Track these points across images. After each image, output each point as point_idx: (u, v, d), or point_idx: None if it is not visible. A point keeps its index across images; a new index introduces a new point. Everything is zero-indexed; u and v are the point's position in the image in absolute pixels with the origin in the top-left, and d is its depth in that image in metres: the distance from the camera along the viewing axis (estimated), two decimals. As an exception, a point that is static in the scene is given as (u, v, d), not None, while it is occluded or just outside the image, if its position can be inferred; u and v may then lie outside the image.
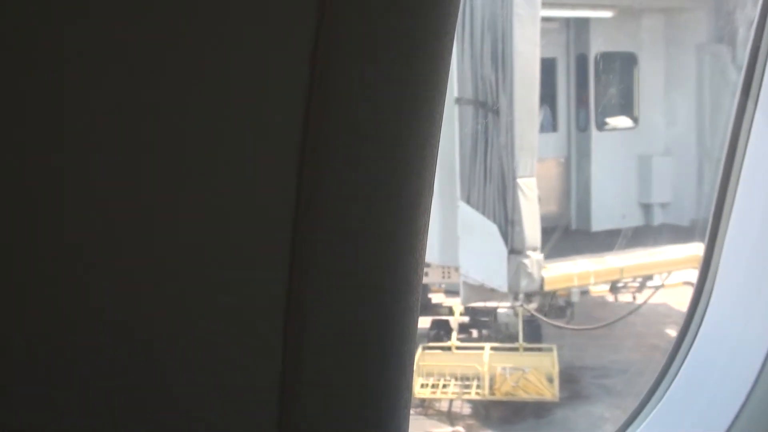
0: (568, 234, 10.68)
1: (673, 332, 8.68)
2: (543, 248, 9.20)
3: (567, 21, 10.95)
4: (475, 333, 10.19)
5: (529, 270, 9.01)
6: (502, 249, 9.06)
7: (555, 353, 9.02)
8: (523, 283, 9.06)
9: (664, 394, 1.94)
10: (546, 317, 9.67)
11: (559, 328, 9.73)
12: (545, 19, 9.24)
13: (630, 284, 10.22)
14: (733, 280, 1.94)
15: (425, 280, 9.65)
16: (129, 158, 0.82)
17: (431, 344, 9.43)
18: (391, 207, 0.89)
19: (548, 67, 10.21)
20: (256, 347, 0.90)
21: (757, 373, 1.78)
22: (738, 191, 1.91)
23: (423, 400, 8.93)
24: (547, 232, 9.56)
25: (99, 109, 0.80)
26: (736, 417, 1.78)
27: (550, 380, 8.75)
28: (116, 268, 0.85)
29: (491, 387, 8.77)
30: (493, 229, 9.16)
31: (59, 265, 0.84)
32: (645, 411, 1.94)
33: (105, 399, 0.87)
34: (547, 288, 9.32)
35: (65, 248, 0.83)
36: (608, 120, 11.14)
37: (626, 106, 11.24)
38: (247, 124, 0.84)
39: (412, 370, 0.97)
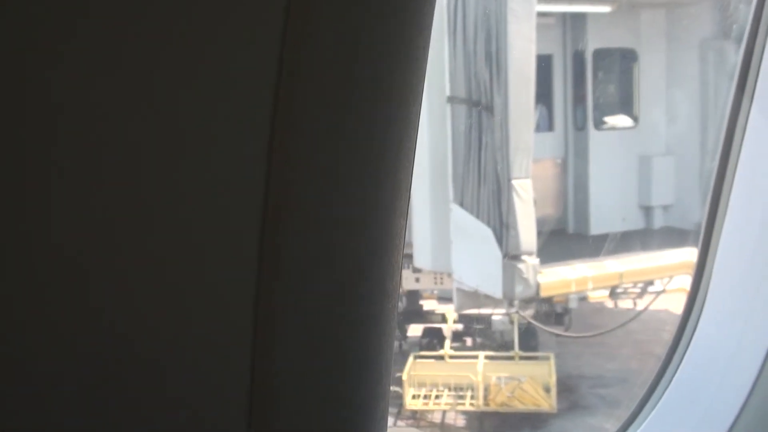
0: (565, 237, 10.65)
1: (674, 340, 8.59)
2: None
3: (563, 16, 10.95)
4: (469, 341, 10.15)
5: (525, 275, 8.95)
6: (497, 253, 8.98)
7: (552, 362, 8.98)
8: (519, 289, 8.98)
9: (657, 402, 1.93)
10: (543, 324, 9.64)
11: (557, 335, 9.71)
12: (541, 15, 9.17)
13: (630, 290, 10.17)
14: (727, 283, 1.91)
15: (417, 286, 9.83)
16: (111, 159, 0.84)
17: (423, 353, 9.42)
18: (364, 210, 0.88)
19: (544, 65, 10.25)
20: (225, 355, 0.90)
21: (754, 379, 1.76)
22: (733, 191, 1.88)
23: (415, 412, 8.94)
24: (543, 235, 9.44)
25: (97, 109, 0.82)
26: (732, 425, 1.76)
27: (547, 390, 8.71)
28: (109, 268, 0.86)
29: (486, 397, 8.71)
30: (487, 232, 9.07)
31: (54, 264, 0.85)
32: (639, 419, 1.93)
33: (97, 398, 0.89)
34: (543, 294, 9.30)
35: (59, 246, 0.85)
36: (607, 119, 11.17)
37: (626, 105, 11.30)
38: (214, 126, 0.84)
39: (389, 379, 0.97)
